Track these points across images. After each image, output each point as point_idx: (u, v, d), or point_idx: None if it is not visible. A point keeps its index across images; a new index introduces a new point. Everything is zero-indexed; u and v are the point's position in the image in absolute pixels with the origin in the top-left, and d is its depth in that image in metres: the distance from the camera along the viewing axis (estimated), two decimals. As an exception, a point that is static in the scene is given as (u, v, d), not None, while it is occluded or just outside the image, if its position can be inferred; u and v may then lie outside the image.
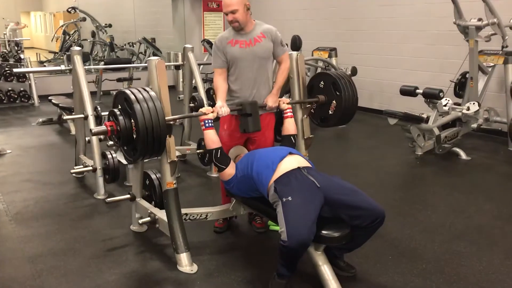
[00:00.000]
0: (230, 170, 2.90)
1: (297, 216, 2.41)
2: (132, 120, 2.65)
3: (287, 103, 3.21)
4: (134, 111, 2.59)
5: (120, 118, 2.68)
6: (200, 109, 2.96)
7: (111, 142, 3.73)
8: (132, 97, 2.64)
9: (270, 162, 2.74)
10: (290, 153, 2.81)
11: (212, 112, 2.93)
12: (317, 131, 5.21)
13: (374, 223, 2.54)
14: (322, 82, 3.36)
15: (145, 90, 2.72)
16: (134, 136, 2.66)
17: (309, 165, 2.79)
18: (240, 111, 3.02)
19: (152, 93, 2.71)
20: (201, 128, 2.93)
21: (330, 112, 3.32)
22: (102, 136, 4.57)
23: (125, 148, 2.81)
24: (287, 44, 7.87)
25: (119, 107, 2.76)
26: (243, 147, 3.25)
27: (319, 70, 7.33)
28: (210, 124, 2.91)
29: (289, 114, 3.20)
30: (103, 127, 2.74)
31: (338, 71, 3.32)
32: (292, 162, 2.74)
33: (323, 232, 2.45)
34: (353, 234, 2.56)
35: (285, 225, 2.41)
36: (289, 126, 3.18)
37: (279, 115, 3.41)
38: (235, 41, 3.07)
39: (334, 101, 3.29)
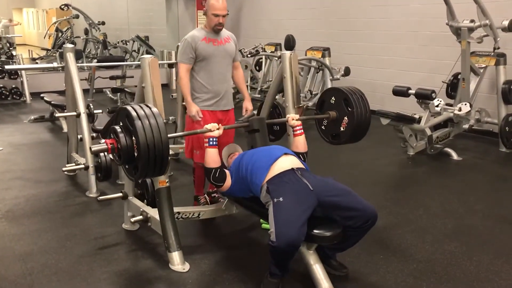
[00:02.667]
0: (227, 184, 2.85)
1: (286, 217, 2.41)
2: (134, 138, 2.50)
3: (297, 119, 3.06)
4: (135, 128, 2.45)
5: (121, 135, 2.53)
6: (206, 126, 2.84)
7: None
8: (134, 114, 2.48)
9: (264, 162, 2.73)
10: (285, 154, 2.81)
11: (218, 129, 2.82)
12: (309, 131, 5.21)
13: (366, 224, 2.55)
14: (333, 98, 3.22)
15: (147, 106, 2.57)
16: (135, 155, 2.51)
17: (302, 166, 2.79)
18: (247, 127, 2.99)
19: (155, 110, 2.56)
20: (204, 145, 2.83)
21: (342, 129, 3.18)
22: (94, 134, 4.57)
23: (126, 167, 2.67)
24: (281, 44, 7.96)
25: (121, 124, 2.61)
26: (236, 145, 3.23)
27: (312, 70, 7.36)
28: (215, 143, 2.80)
29: (298, 132, 3.04)
30: (103, 145, 2.59)
31: (350, 86, 3.26)
32: (286, 163, 2.73)
33: (315, 231, 2.46)
34: (345, 235, 2.56)
35: (274, 225, 2.41)
36: (299, 144, 3.05)
37: (272, 115, 3.41)
38: (209, 39, 3.31)
39: (345, 118, 3.15)
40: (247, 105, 3.49)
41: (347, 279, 2.77)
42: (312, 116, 3.32)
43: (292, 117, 3.06)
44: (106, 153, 4.04)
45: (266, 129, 3.01)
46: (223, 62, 3.37)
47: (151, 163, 2.48)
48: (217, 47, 3.32)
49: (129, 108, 2.53)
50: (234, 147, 3.18)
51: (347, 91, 3.15)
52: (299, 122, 3.05)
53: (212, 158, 2.79)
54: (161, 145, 2.47)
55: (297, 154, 2.99)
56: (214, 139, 2.80)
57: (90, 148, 2.67)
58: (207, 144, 2.81)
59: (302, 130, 3.07)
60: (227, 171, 2.89)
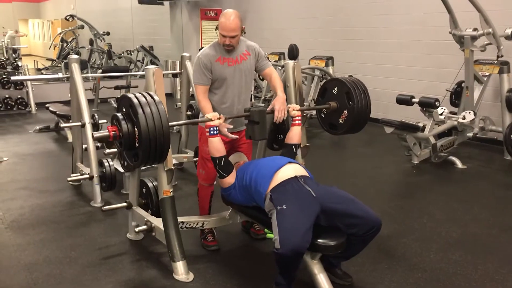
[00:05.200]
0: (231, 179, 2.88)
1: (290, 223, 2.41)
2: (135, 127, 2.55)
3: (297, 110, 3.09)
4: (137, 116, 2.50)
5: (123, 123, 2.59)
6: (206, 115, 2.86)
7: (108, 150, 3.73)
8: (135, 101, 2.53)
9: (268, 171, 2.74)
10: (289, 162, 2.82)
11: (219, 118, 2.84)
12: (314, 139, 5.22)
13: (370, 232, 2.55)
14: (336, 89, 3.22)
15: (149, 94, 2.62)
16: (137, 142, 2.57)
17: (306, 174, 2.80)
18: (247, 117, 2.99)
19: (156, 98, 2.61)
20: (206, 135, 2.85)
21: (340, 121, 3.21)
22: (99, 144, 4.59)
23: (127, 153, 2.72)
24: (284, 53, 7.99)
25: (124, 110, 2.66)
26: (243, 154, 3.23)
27: (316, 79, 7.38)
28: (216, 132, 2.83)
29: (297, 122, 3.07)
30: (105, 132, 2.65)
31: (353, 78, 3.24)
32: (289, 170, 2.74)
33: (319, 240, 2.46)
34: (349, 243, 2.56)
35: (278, 232, 2.42)
36: (294, 135, 3.08)
37: (275, 124, 3.42)
38: (223, 58, 3.04)
39: (345, 111, 3.16)
40: (275, 103, 3.04)
41: (352, 288, 2.76)
42: (313, 107, 3.30)
43: (293, 108, 3.09)
44: (110, 163, 4.08)
45: (266, 122, 3.00)
46: (238, 83, 3.11)
47: (152, 150, 2.53)
48: (233, 68, 3.06)
49: (131, 95, 2.58)
50: (240, 156, 3.19)
51: (351, 85, 3.15)
52: (299, 113, 3.10)
53: (215, 147, 2.83)
54: (163, 132, 2.52)
55: (290, 146, 3.06)
56: (215, 128, 2.82)
57: (93, 135, 2.73)
58: (208, 134, 2.83)
59: (301, 122, 3.11)
60: (234, 170, 2.92)
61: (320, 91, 3.40)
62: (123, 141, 2.61)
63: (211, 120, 2.82)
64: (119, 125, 2.61)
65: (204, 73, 3.03)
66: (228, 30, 2.93)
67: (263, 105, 7.59)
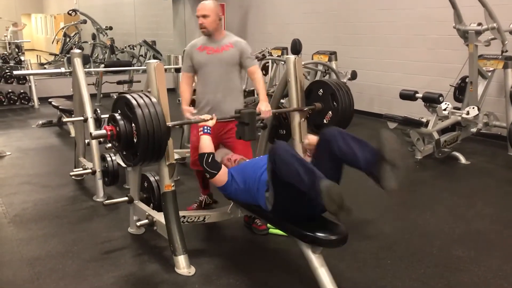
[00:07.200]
0: (222, 177, 2.86)
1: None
2: (133, 125, 2.67)
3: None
4: (135, 116, 2.61)
5: (121, 122, 2.69)
6: (200, 116, 3.00)
7: (110, 145, 3.73)
8: (134, 102, 2.66)
9: None
10: None
11: (211, 119, 2.95)
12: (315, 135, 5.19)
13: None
14: (321, 90, 3.37)
15: (146, 95, 2.74)
16: (135, 141, 2.67)
17: None
18: (238, 118, 3.04)
19: (153, 99, 2.74)
20: (199, 133, 2.95)
21: (325, 121, 3.34)
22: (101, 139, 4.59)
23: (124, 152, 2.83)
24: (287, 48, 7.97)
25: (119, 111, 2.77)
26: (226, 149, 3.29)
27: (319, 74, 7.35)
28: (208, 131, 2.94)
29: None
30: (102, 131, 2.76)
31: (337, 80, 3.31)
32: None
33: (320, 235, 2.45)
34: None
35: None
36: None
37: (277, 119, 3.42)
38: (204, 47, 3.28)
39: (330, 112, 3.30)
40: (260, 106, 3.17)
41: (354, 284, 2.75)
42: (298, 108, 3.33)
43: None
44: (113, 158, 4.08)
45: (256, 123, 3.10)
46: (218, 71, 3.26)
47: (150, 150, 2.66)
48: (210, 56, 3.25)
49: (128, 96, 2.71)
50: (224, 152, 3.23)
51: (335, 86, 3.31)
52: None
53: (205, 144, 2.91)
54: (160, 132, 2.65)
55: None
56: (208, 128, 2.94)
57: (91, 133, 2.88)
58: (201, 132, 2.94)
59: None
60: (224, 167, 2.92)
61: (306, 92, 3.45)
62: (121, 140, 2.71)
63: (205, 120, 2.94)
64: (116, 124, 2.71)
65: (185, 60, 3.35)
66: (200, 9, 3.21)
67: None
